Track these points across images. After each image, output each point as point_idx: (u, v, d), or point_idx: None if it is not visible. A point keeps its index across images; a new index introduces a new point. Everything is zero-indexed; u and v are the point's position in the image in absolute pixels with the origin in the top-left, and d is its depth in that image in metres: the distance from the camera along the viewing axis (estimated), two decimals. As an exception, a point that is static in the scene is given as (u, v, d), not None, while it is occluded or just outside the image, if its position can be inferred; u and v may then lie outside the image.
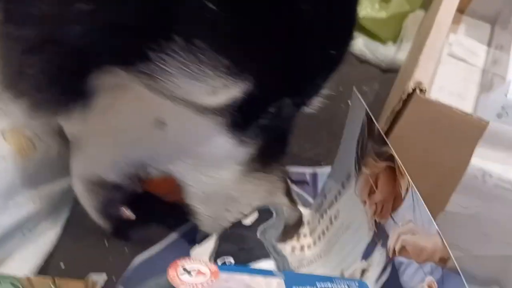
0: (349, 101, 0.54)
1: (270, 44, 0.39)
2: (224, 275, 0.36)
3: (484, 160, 0.46)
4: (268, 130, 0.45)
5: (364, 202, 0.48)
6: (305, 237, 0.57)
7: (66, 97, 0.40)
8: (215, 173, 0.47)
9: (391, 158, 0.44)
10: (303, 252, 0.55)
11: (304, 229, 0.58)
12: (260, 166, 0.48)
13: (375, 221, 0.46)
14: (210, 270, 0.36)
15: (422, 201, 0.40)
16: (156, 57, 0.36)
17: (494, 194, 0.46)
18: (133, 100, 0.41)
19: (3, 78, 0.39)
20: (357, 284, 0.42)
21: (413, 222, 0.41)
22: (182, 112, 0.41)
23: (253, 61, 0.39)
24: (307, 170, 0.66)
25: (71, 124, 0.43)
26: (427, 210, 0.39)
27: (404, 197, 0.42)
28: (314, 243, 0.56)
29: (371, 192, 0.47)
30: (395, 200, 0.43)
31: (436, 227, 0.38)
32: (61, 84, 0.38)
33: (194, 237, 0.55)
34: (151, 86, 0.38)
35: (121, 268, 0.52)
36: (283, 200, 0.51)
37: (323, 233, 0.55)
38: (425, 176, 0.43)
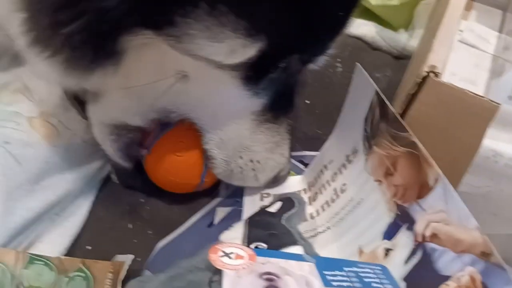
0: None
1: (284, 5, 0.41)
2: (260, 259, 0.38)
3: (496, 141, 0.47)
4: (278, 83, 0.48)
5: (379, 182, 0.49)
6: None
7: (99, 56, 0.42)
8: (232, 121, 0.51)
9: (412, 145, 0.45)
10: (306, 221, 0.56)
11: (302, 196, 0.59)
12: (271, 117, 0.52)
13: (396, 203, 0.47)
14: (247, 253, 0.38)
15: (458, 196, 0.41)
16: (182, 22, 0.39)
17: (505, 174, 0.47)
18: (157, 56, 0.43)
19: (34, 31, 0.41)
20: (379, 268, 0.44)
21: (446, 213, 0.42)
22: (203, 67, 0.43)
23: (268, 22, 0.41)
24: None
25: (99, 81, 0.45)
26: (465, 205, 0.40)
27: (433, 187, 0.43)
28: (317, 213, 0.57)
29: (388, 173, 0.48)
30: (422, 187, 0.44)
31: (476, 223, 0.39)
32: (93, 44, 0.40)
33: (212, 219, 0.57)
34: (175, 46, 0.41)
35: (145, 249, 0.53)
36: (286, 152, 0.55)
37: (328, 204, 0.56)
38: (438, 157, 0.44)
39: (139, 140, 0.54)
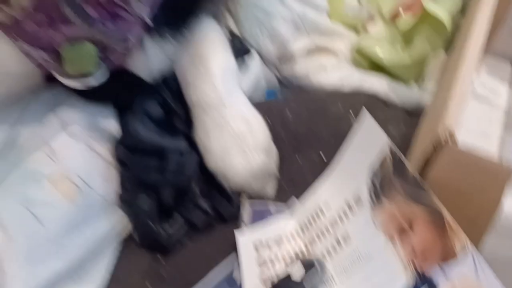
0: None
1: None
2: None
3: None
4: None
5: (392, 237, 0.49)
6: (294, 240, 0.57)
7: None
8: None
9: (435, 210, 0.45)
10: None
11: (291, 233, 0.58)
12: None
13: (413, 262, 0.46)
14: None
15: (493, 273, 0.41)
16: None
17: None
18: None
19: None
20: None
21: (478, 283, 0.42)
22: None
23: None
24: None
25: None
26: (500, 282, 0.40)
27: (460, 254, 0.43)
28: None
29: (402, 230, 0.48)
30: (445, 252, 0.44)
31: None
32: None
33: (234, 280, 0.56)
34: None
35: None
36: None
37: (328, 252, 0.54)
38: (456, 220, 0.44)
39: None
